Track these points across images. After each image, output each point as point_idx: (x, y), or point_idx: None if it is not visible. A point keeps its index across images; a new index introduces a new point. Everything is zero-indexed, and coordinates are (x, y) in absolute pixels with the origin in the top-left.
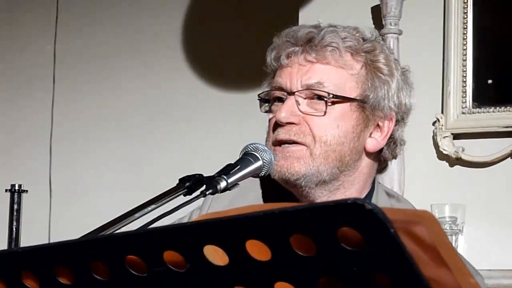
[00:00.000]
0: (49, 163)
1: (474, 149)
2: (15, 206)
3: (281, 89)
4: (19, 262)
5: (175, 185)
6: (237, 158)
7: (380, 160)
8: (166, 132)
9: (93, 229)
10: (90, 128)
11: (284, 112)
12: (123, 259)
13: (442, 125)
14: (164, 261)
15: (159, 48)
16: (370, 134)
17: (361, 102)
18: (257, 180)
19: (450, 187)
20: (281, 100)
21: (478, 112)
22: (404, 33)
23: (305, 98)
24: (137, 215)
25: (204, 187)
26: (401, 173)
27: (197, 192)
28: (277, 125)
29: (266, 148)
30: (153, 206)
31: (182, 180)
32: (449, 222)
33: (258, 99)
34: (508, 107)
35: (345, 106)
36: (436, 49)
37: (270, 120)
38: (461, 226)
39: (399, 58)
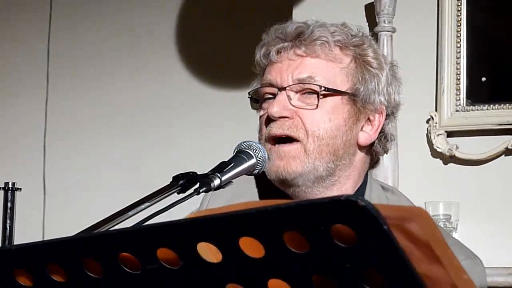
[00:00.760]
0: (43, 161)
1: (468, 147)
2: (9, 204)
3: (271, 85)
4: (12, 259)
5: (168, 183)
6: (231, 156)
7: (372, 154)
8: (160, 130)
9: (86, 227)
10: (83, 126)
11: (276, 106)
12: (117, 256)
13: (436, 123)
14: (158, 258)
15: (153, 46)
16: (362, 127)
17: (352, 96)
18: (253, 181)
19: (444, 185)
20: (272, 96)
21: (472, 110)
22: (397, 31)
23: (296, 93)
24: (130, 213)
25: (197, 185)
26: (395, 171)
27: (191, 190)
28: (269, 120)
29: (259, 145)
30: (146, 204)
31: (176, 178)
32: (443, 220)
33: (249, 97)
34: (502, 105)
35: (337, 99)
36: (430, 47)
37: (261, 117)
38: (455, 223)
39: (392, 56)
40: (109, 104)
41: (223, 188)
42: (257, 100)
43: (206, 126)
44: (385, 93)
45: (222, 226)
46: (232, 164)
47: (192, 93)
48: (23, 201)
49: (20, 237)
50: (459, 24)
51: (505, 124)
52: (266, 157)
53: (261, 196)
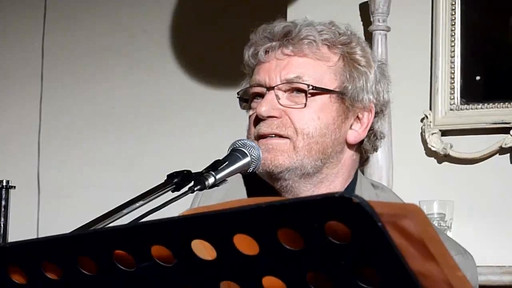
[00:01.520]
0: (37, 159)
1: (462, 146)
2: (3, 202)
3: (260, 85)
4: (6, 257)
5: (163, 181)
6: (225, 154)
7: (361, 152)
8: (155, 129)
9: (81, 225)
10: (78, 124)
11: (264, 106)
12: (111, 254)
13: (430, 122)
14: (152, 255)
15: (147, 45)
16: (351, 126)
17: (340, 94)
18: (241, 179)
19: (438, 184)
20: (260, 96)
21: (466, 109)
22: (392, 30)
23: (284, 92)
24: (125, 211)
25: (192, 183)
26: (389, 170)
27: (185, 188)
28: (258, 120)
29: (254, 144)
30: (141, 202)
31: (170, 176)
32: (438, 219)
33: (238, 97)
34: (496, 104)
35: (325, 98)
36: (424, 46)
37: (250, 116)
38: (450, 222)
39: (387, 55)
40: (103, 103)
41: (218, 186)
42: (246, 100)
43: (200, 125)
44: (373, 91)
45: (216, 223)
46: (226, 163)
47: (186, 92)
48: (18, 199)
49: (14, 235)
50: (453, 23)
51: (499, 123)
52: (261, 155)
53: (250, 194)
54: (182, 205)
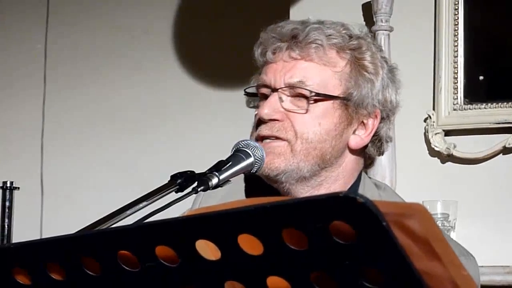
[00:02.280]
0: (40, 160)
1: (465, 146)
2: (7, 203)
3: (266, 86)
4: (10, 258)
5: (167, 182)
6: (229, 154)
7: (365, 156)
8: (157, 129)
9: (84, 226)
10: (81, 125)
11: (266, 108)
12: (115, 254)
13: (434, 122)
14: (156, 256)
15: (149, 46)
16: (354, 131)
17: (344, 100)
18: (242, 179)
19: (442, 184)
20: (266, 97)
21: (469, 109)
22: (395, 30)
23: (289, 95)
24: (128, 212)
25: (195, 184)
26: (392, 170)
27: (189, 189)
28: (260, 122)
29: (257, 144)
30: (144, 203)
31: (174, 177)
32: (441, 219)
33: (245, 94)
34: (500, 103)
35: (328, 104)
36: (427, 46)
37: (255, 116)
38: (453, 222)
39: (389, 55)
40: (106, 104)
41: (221, 187)
42: (254, 95)
43: (203, 126)
44: (380, 97)
45: (220, 224)
46: (230, 163)
47: (189, 92)
48: (21, 200)
49: (18, 236)
50: (456, 23)
51: (502, 123)
52: (264, 156)
53: (250, 193)
54: (185, 205)
